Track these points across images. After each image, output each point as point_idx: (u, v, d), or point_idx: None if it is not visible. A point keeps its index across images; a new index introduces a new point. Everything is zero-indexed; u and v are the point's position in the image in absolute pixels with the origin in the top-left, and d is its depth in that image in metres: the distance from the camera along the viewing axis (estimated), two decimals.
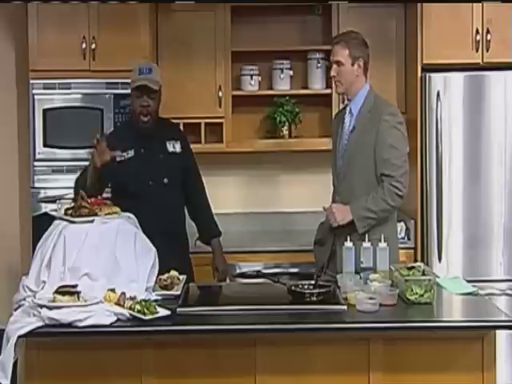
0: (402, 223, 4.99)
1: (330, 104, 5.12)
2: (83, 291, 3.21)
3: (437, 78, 4.77)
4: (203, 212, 4.42)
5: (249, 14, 5.25)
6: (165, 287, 3.49)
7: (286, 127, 5.28)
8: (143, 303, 3.17)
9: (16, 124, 5.23)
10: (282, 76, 5.25)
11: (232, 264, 4.76)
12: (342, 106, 4.70)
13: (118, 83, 4.82)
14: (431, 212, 4.79)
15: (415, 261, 4.69)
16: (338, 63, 3.93)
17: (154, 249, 3.58)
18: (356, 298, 3.29)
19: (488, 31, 4.78)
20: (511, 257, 4.78)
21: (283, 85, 5.28)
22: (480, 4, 4.77)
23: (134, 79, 4.14)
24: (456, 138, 4.78)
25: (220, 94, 5.09)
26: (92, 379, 3.20)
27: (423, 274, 3.43)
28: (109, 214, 3.56)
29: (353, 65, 3.92)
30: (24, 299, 3.32)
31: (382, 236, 3.65)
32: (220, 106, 5.11)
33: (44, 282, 3.33)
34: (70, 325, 3.07)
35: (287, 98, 5.26)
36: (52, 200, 4.67)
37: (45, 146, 4.83)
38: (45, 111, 4.83)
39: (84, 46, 4.82)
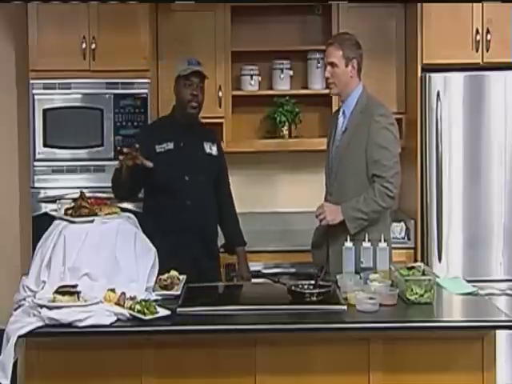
0: (402, 223, 4.99)
1: (329, 104, 5.12)
2: (83, 291, 3.21)
3: (437, 78, 4.77)
4: (231, 221, 4.41)
5: (249, 14, 5.25)
6: (165, 287, 3.49)
7: (285, 127, 5.28)
8: (143, 303, 3.17)
9: (16, 124, 5.24)
10: (282, 76, 5.25)
11: (232, 264, 4.77)
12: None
13: (118, 83, 4.82)
14: (431, 212, 4.79)
15: (415, 261, 4.69)
16: (332, 64, 3.95)
17: (153, 249, 3.58)
18: (356, 298, 3.29)
19: (488, 31, 4.78)
20: (511, 257, 4.78)
21: (283, 85, 5.28)
22: (480, 4, 4.77)
23: (182, 68, 4.14)
24: (456, 138, 4.78)
25: (220, 94, 5.09)
26: (92, 379, 3.20)
27: (423, 274, 3.43)
28: (109, 213, 3.56)
29: (347, 66, 3.94)
30: (24, 299, 3.32)
31: (382, 236, 3.65)
32: (220, 106, 5.11)
33: (44, 281, 3.33)
34: (70, 325, 3.07)
35: (287, 97, 5.26)
36: (52, 200, 4.68)
37: (45, 146, 4.83)
38: (45, 111, 4.83)
39: (84, 46, 4.81)
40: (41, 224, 4.11)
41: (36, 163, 4.84)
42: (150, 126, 4.42)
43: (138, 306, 3.15)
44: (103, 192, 4.65)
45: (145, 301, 3.21)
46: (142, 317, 3.12)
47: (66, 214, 3.55)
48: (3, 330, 3.13)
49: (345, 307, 3.29)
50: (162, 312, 3.18)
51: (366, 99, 4.00)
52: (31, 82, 4.83)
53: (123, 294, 3.22)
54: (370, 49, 5.08)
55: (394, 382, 3.21)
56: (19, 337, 3.07)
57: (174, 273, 3.60)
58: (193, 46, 5.06)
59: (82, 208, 3.53)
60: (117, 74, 4.79)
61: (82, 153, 4.83)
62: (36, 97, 4.83)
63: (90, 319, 3.09)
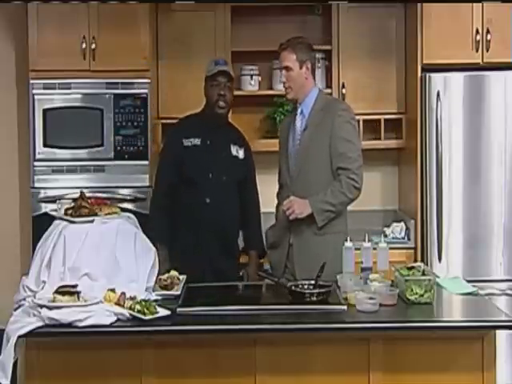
0: (402, 223, 4.99)
1: None
2: (83, 291, 3.21)
3: (437, 78, 4.77)
4: (251, 225, 4.40)
5: (249, 14, 5.25)
6: (165, 287, 3.49)
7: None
8: (143, 303, 3.17)
9: (16, 124, 5.24)
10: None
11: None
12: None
13: (118, 83, 4.82)
14: (431, 212, 4.79)
15: (415, 261, 4.69)
16: (287, 68, 4.02)
17: (153, 249, 3.58)
18: (356, 298, 3.29)
19: (488, 31, 4.78)
20: (511, 257, 4.78)
21: None
22: (480, 4, 4.77)
23: (210, 69, 4.20)
24: (456, 138, 4.78)
25: None
26: (92, 379, 3.20)
27: (423, 274, 3.43)
28: (109, 213, 3.57)
29: (301, 68, 4.01)
30: (24, 299, 3.32)
31: (382, 236, 3.66)
32: None
33: (44, 281, 3.33)
34: (70, 325, 3.07)
35: None
36: (52, 200, 4.68)
37: (45, 146, 4.83)
38: (45, 111, 4.82)
39: (84, 46, 4.81)
40: (41, 224, 4.11)
41: (36, 163, 4.84)
42: (181, 121, 4.45)
43: (138, 306, 3.15)
44: (103, 192, 4.67)
45: (145, 301, 3.21)
46: (142, 317, 3.12)
47: (66, 214, 3.55)
48: (3, 330, 3.13)
49: (345, 307, 3.29)
50: (162, 312, 3.19)
51: (324, 97, 4.08)
52: (31, 81, 4.83)
53: (123, 293, 3.22)
54: (370, 49, 5.12)
55: (394, 382, 3.21)
56: (19, 337, 3.07)
57: (174, 273, 3.61)
58: (193, 45, 5.07)
59: (82, 208, 3.53)
60: (117, 74, 4.79)
61: (82, 153, 4.83)
62: (36, 97, 4.83)
63: (90, 319, 3.09)
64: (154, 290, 3.47)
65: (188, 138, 4.20)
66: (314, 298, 3.35)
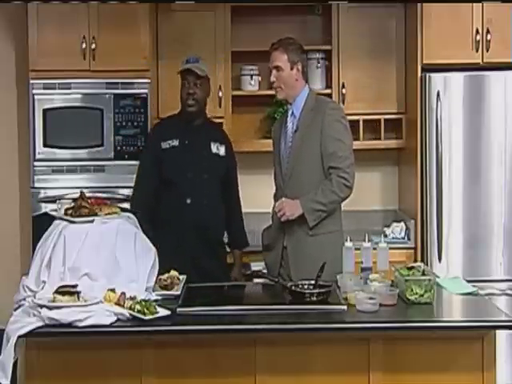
0: (402, 223, 4.99)
1: None
2: (83, 291, 3.21)
3: (437, 78, 4.77)
4: (234, 222, 4.43)
5: (249, 14, 5.25)
6: (165, 287, 3.49)
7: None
8: (143, 303, 3.17)
9: (16, 124, 5.24)
10: None
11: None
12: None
13: (118, 83, 4.82)
14: (431, 212, 4.79)
15: (415, 261, 4.69)
16: (278, 68, 4.02)
17: (153, 249, 3.58)
18: (356, 298, 3.29)
19: (488, 31, 4.78)
20: (511, 257, 4.78)
21: None
22: (480, 4, 4.77)
23: (182, 67, 4.22)
24: (456, 138, 4.78)
25: (220, 93, 5.09)
26: (92, 379, 3.20)
27: (423, 274, 3.43)
28: (109, 213, 3.56)
29: (292, 69, 4.01)
30: (24, 299, 3.32)
31: (382, 236, 3.66)
32: (220, 106, 5.11)
33: (44, 282, 3.33)
34: (70, 325, 3.07)
35: None
36: (52, 200, 4.68)
37: (45, 146, 4.83)
38: (45, 111, 4.83)
39: (84, 46, 4.81)
40: (41, 224, 4.11)
41: (36, 163, 4.84)
42: (159, 124, 4.50)
43: (138, 306, 3.15)
44: (103, 192, 4.67)
45: (145, 301, 3.21)
46: (142, 317, 3.12)
47: (66, 213, 3.55)
48: (3, 330, 3.13)
49: (345, 307, 3.29)
50: (162, 312, 3.18)
51: (314, 97, 4.06)
52: (31, 81, 4.83)
53: (123, 293, 3.22)
54: (370, 49, 5.12)
55: (394, 382, 3.21)
56: (19, 337, 3.07)
57: (174, 273, 3.60)
58: (193, 46, 5.06)
59: (82, 208, 3.52)
60: (117, 74, 4.79)
61: (82, 153, 4.83)
62: (36, 97, 4.83)
63: (90, 319, 3.09)
64: (154, 290, 3.47)
65: (166, 140, 4.20)
66: (314, 298, 3.34)
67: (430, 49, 4.80)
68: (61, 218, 3.54)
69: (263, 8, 5.21)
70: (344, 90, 5.10)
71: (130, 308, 3.16)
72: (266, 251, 4.16)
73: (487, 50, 4.80)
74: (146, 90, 4.83)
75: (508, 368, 4.68)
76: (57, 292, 3.18)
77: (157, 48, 5.10)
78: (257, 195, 5.34)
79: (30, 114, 4.84)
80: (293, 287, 3.44)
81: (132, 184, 4.37)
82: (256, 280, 4.34)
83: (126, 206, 4.53)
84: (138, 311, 3.14)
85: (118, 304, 3.19)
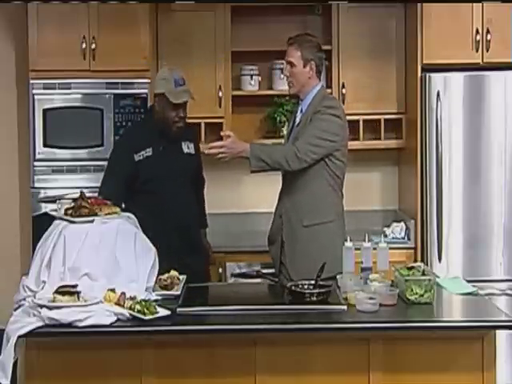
0: (402, 223, 4.99)
1: None
2: (83, 291, 3.21)
3: (437, 78, 4.77)
4: (199, 205, 4.48)
5: (249, 14, 5.25)
6: (165, 287, 3.49)
7: (285, 127, 5.28)
8: (143, 303, 3.17)
9: (16, 124, 5.24)
10: (281, 76, 5.22)
11: (232, 264, 4.78)
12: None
13: (118, 83, 4.82)
14: (431, 212, 4.79)
15: (415, 261, 4.69)
16: (291, 64, 4.01)
17: (153, 249, 3.58)
18: (356, 298, 3.29)
19: (488, 31, 4.78)
20: (511, 257, 4.78)
21: (283, 85, 5.23)
22: (480, 4, 4.77)
23: (170, 91, 4.08)
24: (456, 138, 4.78)
25: (220, 93, 5.09)
26: (92, 379, 3.20)
27: (423, 274, 3.43)
28: (109, 213, 3.56)
29: (304, 66, 4.00)
30: (24, 299, 3.32)
31: (382, 236, 3.66)
32: (220, 106, 5.11)
33: (44, 282, 3.32)
34: (70, 325, 3.07)
35: (287, 97, 5.26)
36: (52, 200, 4.67)
37: (45, 146, 4.83)
38: (45, 111, 4.83)
39: (84, 46, 4.82)
40: (41, 224, 4.11)
41: (36, 163, 4.84)
42: (127, 134, 4.41)
43: (138, 306, 3.15)
44: None
45: (145, 301, 3.21)
46: (142, 317, 3.12)
47: (66, 214, 3.55)
48: (3, 330, 3.13)
49: (345, 307, 3.29)
50: (162, 312, 3.18)
51: (322, 95, 4.05)
52: (31, 81, 4.83)
53: (123, 293, 3.22)
54: (370, 49, 5.13)
55: (394, 382, 3.21)
56: (19, 337, 3.07)
57: (174, 273, 3.60)
58: (193, 46, 5.07)
59: (82, 208, 3.52)
60: (117, 74, 4.79)
61: (82, 153, 4.84)
62: (36, 97, 4.83)
63: (90, 319, 3.09)
64: (154, 290, 3.47)
65: (138, 152, 4.12)
66: (314, 298, 3.34)
67: (430, 49, 4.81)
68: (61, 218, 3.54)
69: (263, 8, 5.21)
70: (344, 90, 5.10)
71: (130, 308, 3.16)
72: (269, 245, 4.16)
73: (487, 50, 4.80)
74: (145, 90, 4.84)
75: (508, 368, 4.68)
76: (57, 292, 3.18)
77: (157, 48, 5.10)
78: (256, 196, 5.36)
79: (30, 114, 4.84)
80: (293, 287, 3.44)
81: None
82: (256, 280, 4.37)
83: None
84: (138, 311, 3.14)
85: (118, 304, 3.19)
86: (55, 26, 4.82)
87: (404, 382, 3.21)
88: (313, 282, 3.45)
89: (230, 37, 5.11)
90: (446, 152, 4.77)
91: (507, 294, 4.73)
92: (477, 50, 4.80)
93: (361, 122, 5.13)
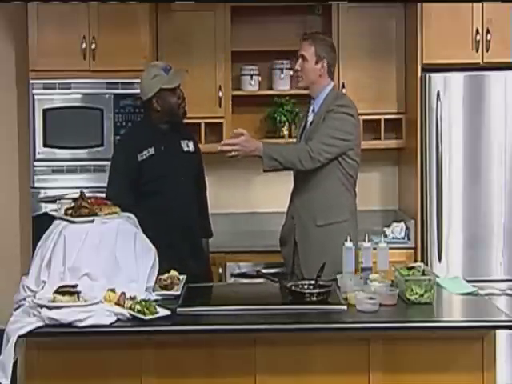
0: (402, 223, 4.99)
1: None
2: (83, 291, 3.21)
3: (437, 78, 4.77)
4: (202, 211, 4.42)
5: (249, 14, 5.25)
6: (165, 287, 3.49)
7: (285, 127, 5.29)
8: (143, 303, 3.17)
9: (16, 124, 5.24)
10: (282, 76, 5.26)
11: (232, 264, 4.78)
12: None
13: (118, 83, 4.82)
14: (431, 212, 4.79)
15: (415, 261, 4.69)
16: (303, 58, 4.00)
17: (153, 249, 3.58)
18: (356, 298, 3.29)
19: (488, 31, 4.78)
20: (511, 257, 4.78)
21: (283, 85, 5.28)
22: (480, 4, 4.77)
23: (164, 82, 4.09)
24: (456, 138, 4.78)
25: (220, 93, 5.09)
26: (92, 379, 3.20)
27: (423, 274, 3.43)
28: (109, 213, 3.56)
29: (316, 63, 3.99)
30: (24, 299, 3.32)
31: (382, 236, 3.66)
32: (220, 106, 5.11)
33: (44, 281, 3.33)
34: (70, 325, 3.07)
35: (287, 97, 5.26)
36: (52, 200, 4.67)
37: (45, 146, 4.83)
38: (45, 111, 4.83)
39: (84, 46, 4.82)
40: (41, 224, 4.10)
41: (36, 163, 4.84)
42: (129, 134, 4.41)
43: (138, 306, 3.15)
44: (103, 192, 4.65)
45: (145, 301, 3.21)
46: (142, 317, 3.12)
47: (66, 214, 3.55)
48: (3, 330, 3.13)
49: (345, 307, 3.29)
50: (162, 312, 3.18)
51: (334, 94, 4.05)
52: (31, 81, 4.84)
53: (123, 293, 3.22)
54: (370, 49, 5.13)
55: (394, 382, 3.21)
56: (19, 337, 3.07)
57: (174, 273, 3.60)
58: (193, 46, 5.07)
59: (82, 208, 3.52)
60: (117, 74, 4.79)
61: (82, 153, 4.84)
62: (36, 97, 4.83)
63: (90, 319, 3.09)
64: (154, 290, 3.47)
65: (141, 151, 4.10)
66: (314, 298, 3.34)
67: (429, 49, 4.81)
68: (61, 218, 3.54)
69: (263, 8, 5.21)
70: (344, 90, 5.10)
71: (130, 308, 3.16)
72: (281, 246, 4.15)
73: (487, 50, 4.80)
74: None
75: (508, 368, 4.68)
76: (57, 292, 3.18)
77: (157, 48, 5.10)
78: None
79: (30, 114, 4.85)
80: (293, 287, 3.44)
81: None
82: (256, 280, 4.37)
83: None
84: (138, 311, 3.14)
85: (118, 304, 3.19)
86: (55, 25, 4.82)
87: (404, 381, 3.21)
88: (313, 281, 3.45)
89: (229, 37, 5.11)
90: (446, 152, 4.77)
91: (507, 294, 4.74)
92: (477, 50, 4.80)
93: (361, 122, 5.12)
